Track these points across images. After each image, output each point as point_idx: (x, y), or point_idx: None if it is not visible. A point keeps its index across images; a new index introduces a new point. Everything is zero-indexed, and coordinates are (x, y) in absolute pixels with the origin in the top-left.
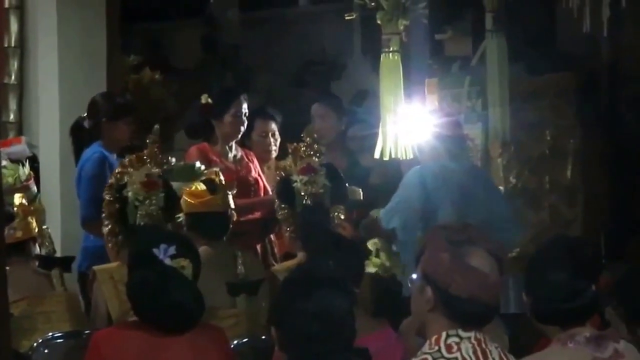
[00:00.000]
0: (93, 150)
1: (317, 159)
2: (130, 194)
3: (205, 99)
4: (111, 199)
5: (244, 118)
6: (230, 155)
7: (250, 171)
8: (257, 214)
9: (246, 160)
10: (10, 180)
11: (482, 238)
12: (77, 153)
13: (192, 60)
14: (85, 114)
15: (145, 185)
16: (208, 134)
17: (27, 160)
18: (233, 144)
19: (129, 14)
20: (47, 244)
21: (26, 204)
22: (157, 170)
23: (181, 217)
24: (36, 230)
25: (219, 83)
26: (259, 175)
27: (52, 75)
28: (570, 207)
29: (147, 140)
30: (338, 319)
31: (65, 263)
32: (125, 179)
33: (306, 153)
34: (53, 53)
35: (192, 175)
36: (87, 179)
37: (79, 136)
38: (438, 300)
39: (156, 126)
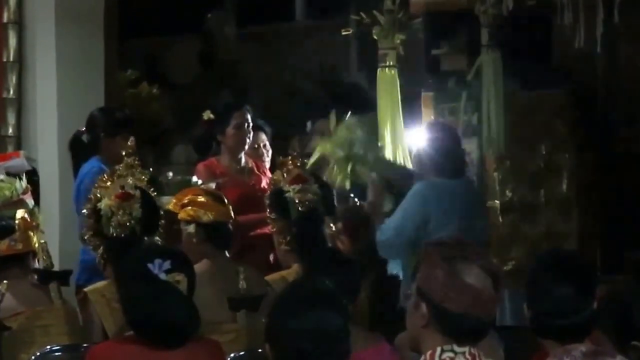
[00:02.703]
0: (91, 165)
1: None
2: (103, 205)
3: (207, 115)
4: (89, 212)
5: (248, 129)
6: (239, 167)
7: (260, 183)
8: (267, 229)
9: (257, 172)
10: (7, 193)
11: (477, 254)
12: (76, 167)
13: (189, 75)
14: (84, 129)
15: (119, 196)
16: (216, 150)
17: (25, 174)
18: (242, 156)
19: (126, 30)
20: (44, 258)
21: (28, 218)
22: (133, 182)
23: (191, 228)
24: (36, 244)
25: (216, 98)
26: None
27: (50, 90)
28: (566, 221)
29: (122, 153)
30: (332, 336)
31: (63, 277)
32: (102, 192)
33: (294, 165)
34: (51, 68)
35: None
36: (85, 193)
37: (78, 150)
38: (432, 316)
39: (131, 138)
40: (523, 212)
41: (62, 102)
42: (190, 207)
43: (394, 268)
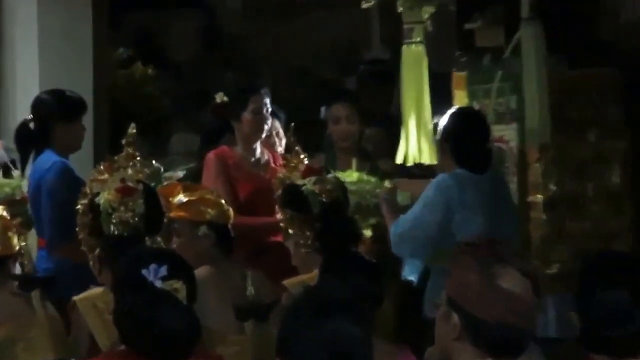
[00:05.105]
0: (52, 159)
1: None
2: (102, 200)
3: (220, 97)
4: (84, 208)
5: (266, 114)
6: (254, 159)
7: None
8: None
9: (273, 165)
10: (7, 190)
11: (515, 256)
12: (24, 160)
13: (189, 54)
14: (31, 116)
15: (120, 190)
16: (228, 137)
17: (3, 167)
18: (257, 145)
19: (118, 2)
20: (25, 262)
21: (8, 217)
22: (134, 174)
23: (203, 230)
24: (17, 247)
25: (219, 79)
26: None
27: (32, 71)
28: (617, 217)
29: (123, 142)
30: (351, 349)
31: (47, 284)
32: (99, 186)
33: (299, 160)
34: (33, 46)
35: (159, 178)
36: (52, 193)
37: (26, 141)
38: (465, 327)
39: (132, 125)
40: (569, 207)
41: (45, 86)
42: (200, 206)
43: (411, 272)
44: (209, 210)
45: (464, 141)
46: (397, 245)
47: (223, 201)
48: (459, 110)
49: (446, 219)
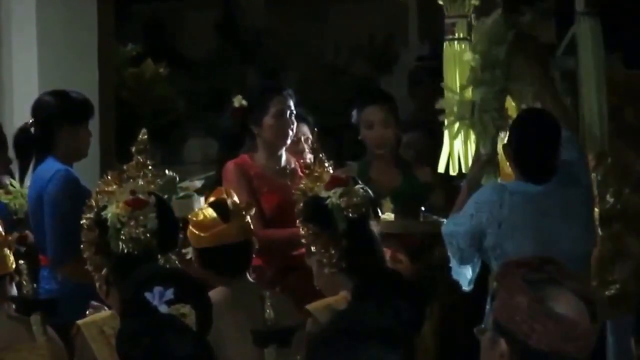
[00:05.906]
0: (55, 168)
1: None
2: (110, 214)
3: (238, 101)
4: (90, 223)
5: (291, 118)
6: (278, 168)
7: None
8: None
9: (300, 174)
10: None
11: (568, 276)
12: (23, 169)
13: (205, 50)
14: (31, 120)
15: (129, 203)
16: (249, 144)
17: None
18: (282, 153)
19: None
20: (24, 283)
21: (2, 232)
22: (145, 184)
23: (189, 252)
24: (13, 265)
25: (239, 78)
26: None
27: (30, 70)
28: None
29: (132, 149)
30: None
31: (48, 307)
32: (107, 199)
33: (322, 169)
34: (31, 42)
35: (173, 189)
36: (54, 206)
37: (26, 148)
38: (514, 355)
39: (143, 130)
40: (629, 222)
41: (45, 86)
42: (189, 227)
43: (457, 273)
44: (192, 232)
45: (521, 147)
46: (449, 247)
47: (221, 221)
48: (525, 110)
49: (475, 236)
